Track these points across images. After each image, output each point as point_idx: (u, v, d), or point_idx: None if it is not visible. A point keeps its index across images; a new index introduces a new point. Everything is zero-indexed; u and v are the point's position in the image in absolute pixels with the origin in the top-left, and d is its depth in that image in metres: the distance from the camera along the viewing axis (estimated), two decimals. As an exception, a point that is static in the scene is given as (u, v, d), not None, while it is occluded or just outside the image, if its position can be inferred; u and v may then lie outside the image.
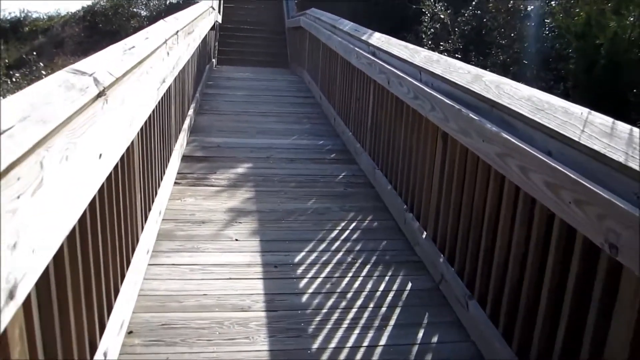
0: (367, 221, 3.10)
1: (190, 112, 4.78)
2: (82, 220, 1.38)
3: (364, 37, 4.04)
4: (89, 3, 13.29)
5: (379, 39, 3.74)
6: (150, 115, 2.47)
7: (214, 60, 9.13)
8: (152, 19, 12.04)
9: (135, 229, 2.24)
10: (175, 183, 3.46)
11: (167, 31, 3.13)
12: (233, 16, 11.54)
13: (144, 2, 13.05)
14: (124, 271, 1.99)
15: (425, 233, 2.62)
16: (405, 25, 7.18)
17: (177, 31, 3.51)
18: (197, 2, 12.36)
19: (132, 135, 2.03)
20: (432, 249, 2.48)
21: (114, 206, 1.81)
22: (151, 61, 2.50)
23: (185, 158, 3.96)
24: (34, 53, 11.75)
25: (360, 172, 3.92)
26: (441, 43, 5.26)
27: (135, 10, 13.52)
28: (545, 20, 5.99)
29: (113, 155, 1.67)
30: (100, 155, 1.48)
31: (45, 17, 17.00)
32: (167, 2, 13.20)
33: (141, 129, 2.26)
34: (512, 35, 5.88)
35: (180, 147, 3.86)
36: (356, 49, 4.03)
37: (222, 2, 11.15)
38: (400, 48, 3.24)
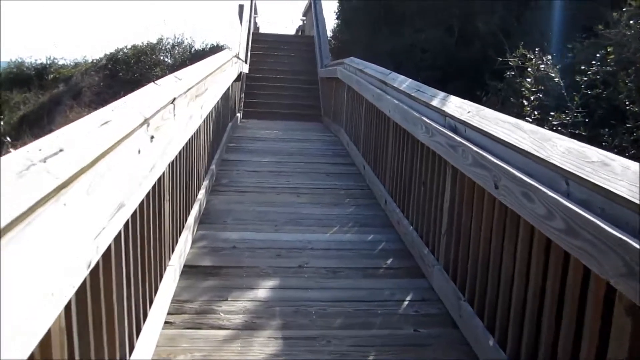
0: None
1: (201, 194, 3.69)
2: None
3: (434, 103, 2.91)
4: (113, 50, 12.66)
5: (460, 108, 2.60)
6: (125, 226, 1.63)
7: (238, 114, 8.16)
8: (175, 67, 11.27)
9: None
10: (165, 323, 2.32)
11: (152, 104, 2.05)
12: (261, 64, 10.67)
13: (168, 49, 12.33)
14: None
15: None
16: (477, 81, 6.02)
17: (174, 99, 2.44)
18: (224, 49, 11.59)
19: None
20: None
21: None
22: (105, 165, 1.43)
23: (187, 270, 2.84)
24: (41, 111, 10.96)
25: (433, 296, 2.73)
26: (551, 113, 4.07)
27: (160, 57, 12.80)
28: None
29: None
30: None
31: (72, 63, 16.55)
32: (192, 49, 12.48)
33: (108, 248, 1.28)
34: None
35: (179, 257, 2.74)
36: (424, 118, 2.90)
37: (249, 50, 10.30)
38: (507, 127, 2.09)
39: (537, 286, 1.82)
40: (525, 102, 4.18)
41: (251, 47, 10.86)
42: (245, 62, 9.40)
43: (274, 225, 3.61)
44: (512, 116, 2.66)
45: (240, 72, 7.73)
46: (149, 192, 2.01)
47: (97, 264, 1.40)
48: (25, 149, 1.14)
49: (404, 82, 3.70)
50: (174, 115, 2.46)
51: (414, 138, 3.15)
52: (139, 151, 1.77)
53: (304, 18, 15.94)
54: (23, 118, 11.61)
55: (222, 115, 5.46)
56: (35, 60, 16.30)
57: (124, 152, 1.61)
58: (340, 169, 5.23)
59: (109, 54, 12.42)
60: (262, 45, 11.41)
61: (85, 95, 10.93)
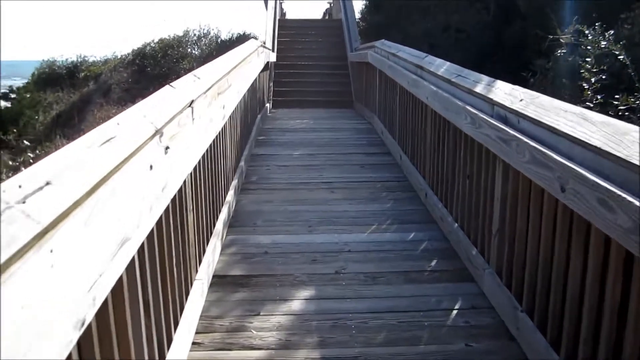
0: None
1: (230, 195, 3.51)
2: None
3: (478, 89, 2.62)
4: (140, 45, 12.59)
5: (510, 95, 2.31)
6: (140, 249, 1.43)
7: (267, 105, 7.95)
8: (202, 59, 11.13)
9: None
10: (193, 344, 2.14)
11: (165, 110, 1.85)
12: (289, 52, 10.41)
13: (194, 41, 12.17)
14: None
15: None
16: (518, 62, 5.57)
17: (192, 101, 2.24)
18: (250, 38, 11.39)
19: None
20: None
21: None
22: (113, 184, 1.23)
23: (216, 281, 2.66)
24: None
25: (484, 302, 2.48)
26: (616, 96, 3.64)
27: (187, 49, 12.66)
28: None
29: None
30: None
31: (102, 60, 16.62)
32: (219, 40, 12.28)
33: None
34: None
35: (207, 267, 2.56)
36: (468, 107, 2.62)
37: (276, 39, 10.05)
38: (570, 118, 1.80)
39: (615, 302, 1.55)
40: (586, 85, 3.78)
41: (279, 33, 10.61)
42: (273, 50, 9.17)
43: (308, 225, 3.40)
44: (566, 100, 2.37)
45: (268, 62, 7.51)
46: (167, 206, 1.82)
47: (106, 301, 1.21)
48: (2, 187, 0.94)
49: (441, 66, 3.42)
50: (193, 119, 2.26)
51: (456, 128, 2.87)
52: (151, 167, 1.57)
53: (331, 1, 15.57)
54: (56, 118, 11.68)
55: (250, 108, 5.26)
56: (66, 59, 16.44)
57: (133, 171, 1.41)
58: (375, 160, 4.97)
59: (136, 49, 12.37)
60: (289, 32, 11.15)
61: (114, 92, 10.92)
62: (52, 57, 16.67)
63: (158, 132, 1.69)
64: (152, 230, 1.61)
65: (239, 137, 4.31)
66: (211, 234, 2.86)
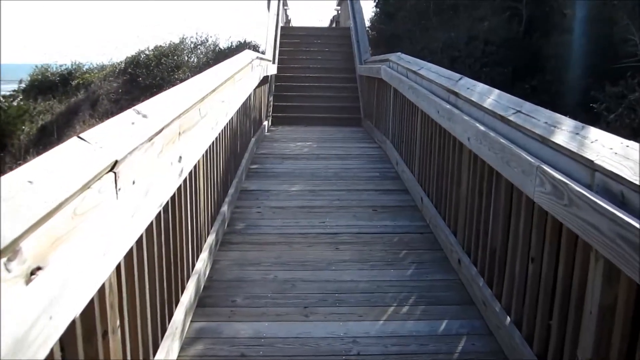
0: None
1: (202, 261, 2.65)
2: None
3: (558, 139, 1.74)
4: (134, 53, 11.74)
5: (625, 157, 1.44)
6: None
7: (265, 122, 7.10)
8: (199, 68, 10.29)
9: None
10: None
11: (41, 201, 0.99)
12: (292, 62, 9.55)
13: (191, 49, 11.31)
14: None
15: None
16: (560, 79, 4.55)
17: (115, 164, 1.38)
18: (251, 46, 10.54)
19: None
20: None
21: None
22: None
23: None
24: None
25: None
26: None
27: (184, 58, 11.79)
28: None
29: None
30: None
31: (97, 66, 15.79)
32: (217, 48, 11.42)
33: None
34: None
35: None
36: (545, 167, 1.74)
37: (277, 48, 9.18)
38: None
39: None
40: None
41: (282, 42, 9.76)
42: (273, 61, 8.32)
43: (303, 306, 2.52)
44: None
45: (266, 76, 6.66)
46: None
47: None
48: None
49: (487, 95, 2.54)
50: (117, 190, 1.39)
51: (520, 191, 1.99)
52: None
53: (339, 8, 14.74)
54: (43, 129, 10.85)
55: (239, 134, 4.40)
56: (60, 65, 15.66)
57: None
58: (390, 200, 4.08)
59: (130, 56, 11.53)
60: (293, 40, 10.30)
61: (102, 104, 10.04)
62: (46, 62, 15.91)
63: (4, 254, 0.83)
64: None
65: (222, 176, 3.45)
66: (164, 334, 1.99)
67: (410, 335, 2.31)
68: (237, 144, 4.25)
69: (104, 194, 1.31)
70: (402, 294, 2.65)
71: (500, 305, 2.28)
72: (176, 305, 2.20)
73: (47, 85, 14.67)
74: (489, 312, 2.37)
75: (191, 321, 2.36)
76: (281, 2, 10.88)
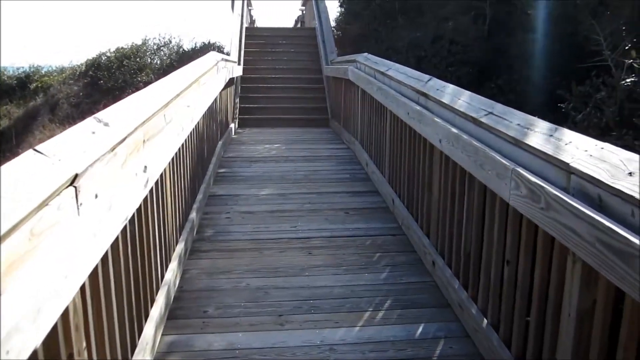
0: None
1: (171, 271, 2.56)
2: None
3: (532, 141, 1.74)
4: (95, 55, 11.42)
5: (600, 159, 1.44)
6: None
7: (232, 125, 7.00)
8: (162, 71, 10.09)
9: None
10: None
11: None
12: (258, 63, 9.46)
13: (154, 51, 11.07)
14: None
15: None
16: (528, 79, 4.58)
17: (75, 177, 1.30)
18: (215, 47, 10.38)
19: None
20: None
21: None
22: None
23: None
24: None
25: None
26: None
27: (146, 60, 11.53)
28: None
29: None
30: None
31: (57, 69, 15.34)
32: (180, 50, 11.21)
33: None
34: None
35: None
36: (520, 170, 1.73)
37: (242, 49, 9.06)
38: None
39: None
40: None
41: (247, 43, 9.65)
42: (239, 62, 8.21)
43: (278, 314, 2.47)
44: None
45: (233, 77, 6.56)
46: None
47: None
48: None
49: (457, 96, 2.53)
50: (78, 206, 1.31)
51: (494, 193, 1.98)
52: None
53: (304, 8, 14.68)
54: (1, 135, 10.45)
55: (206, 138, 4.30)
56: (18, 68, 15.18)
57: None
58: (361, 202, 4.05)
59: (91, 59, 11.21)
60: (258, 41, 10.20)
61: (61, 108, 9.72)
62: (4, 65, 15.41)
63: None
64: None
65: (190, 183, 3.36)
66: (133, 351, 1.91)
67: (388, 340, 2.28)
68: (204, 148, 4.16)
69: (63, 210, 1.23)
70: (377, 298, 2.62)
71: (477, 308, 2.27)
72: (146, 320, 2.12)
73: (4, 89, 14.18)
74: (465, 314, 2.36)
75: (162, 335, 2.28)
76: (245, 2, 10.76)
